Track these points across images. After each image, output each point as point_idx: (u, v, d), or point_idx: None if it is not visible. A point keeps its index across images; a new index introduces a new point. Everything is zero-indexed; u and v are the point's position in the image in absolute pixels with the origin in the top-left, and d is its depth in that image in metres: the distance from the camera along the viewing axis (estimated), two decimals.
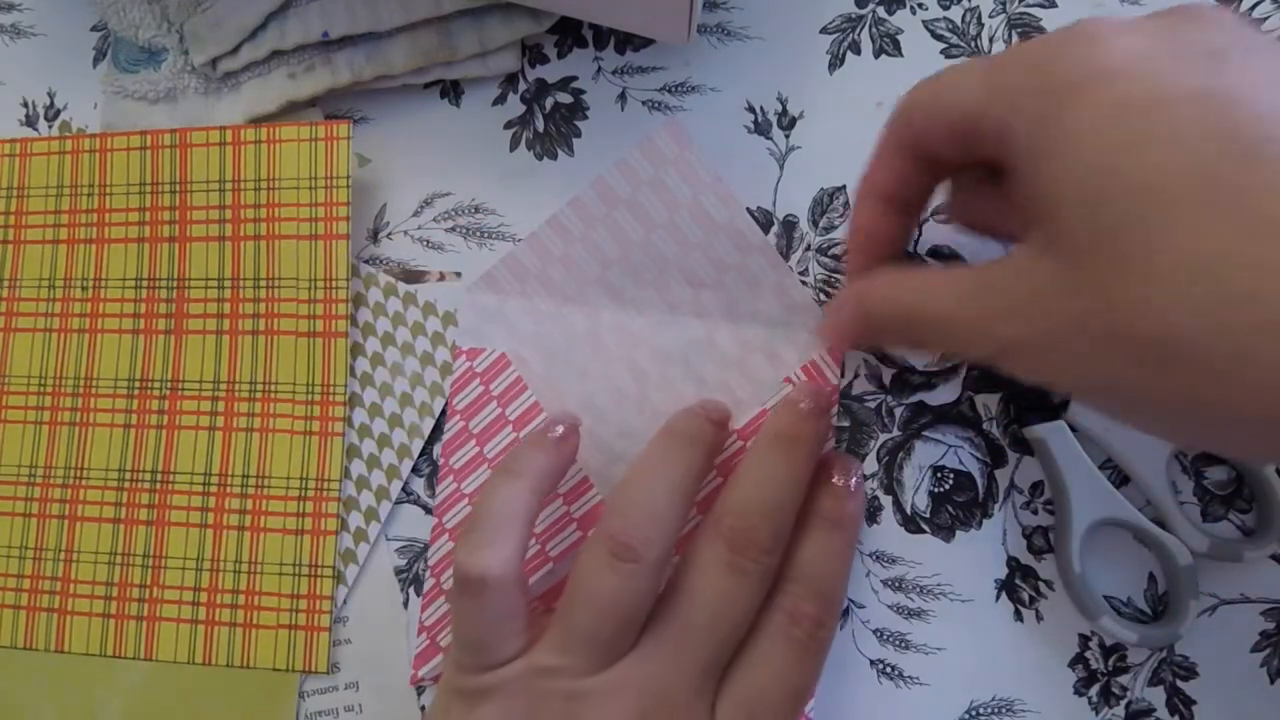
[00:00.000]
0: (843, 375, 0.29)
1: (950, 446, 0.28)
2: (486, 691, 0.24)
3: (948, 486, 0.28)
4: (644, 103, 0.31)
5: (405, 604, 0.31)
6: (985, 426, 0.28)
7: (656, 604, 0.25)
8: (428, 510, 0.31)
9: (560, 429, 0.27)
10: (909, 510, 0.28)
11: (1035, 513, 0.28)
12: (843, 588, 0.26)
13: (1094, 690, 0.27)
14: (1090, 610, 0.26)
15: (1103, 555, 0.27)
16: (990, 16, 0.29)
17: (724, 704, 0.24)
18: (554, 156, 0.32)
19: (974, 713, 0.28)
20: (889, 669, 0.28)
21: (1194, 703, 0.27)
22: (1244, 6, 0.28)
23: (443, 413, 0.31)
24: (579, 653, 0.24)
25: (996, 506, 0.28)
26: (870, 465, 0.29)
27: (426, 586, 0.30)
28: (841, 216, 0.30)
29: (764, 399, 0.28)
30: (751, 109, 0.31)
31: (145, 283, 0.33)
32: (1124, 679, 0.27)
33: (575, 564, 0.25)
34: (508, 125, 0.32)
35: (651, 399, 0.29)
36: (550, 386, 0.30)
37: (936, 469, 0.28)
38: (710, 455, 0.26)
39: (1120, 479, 0.27)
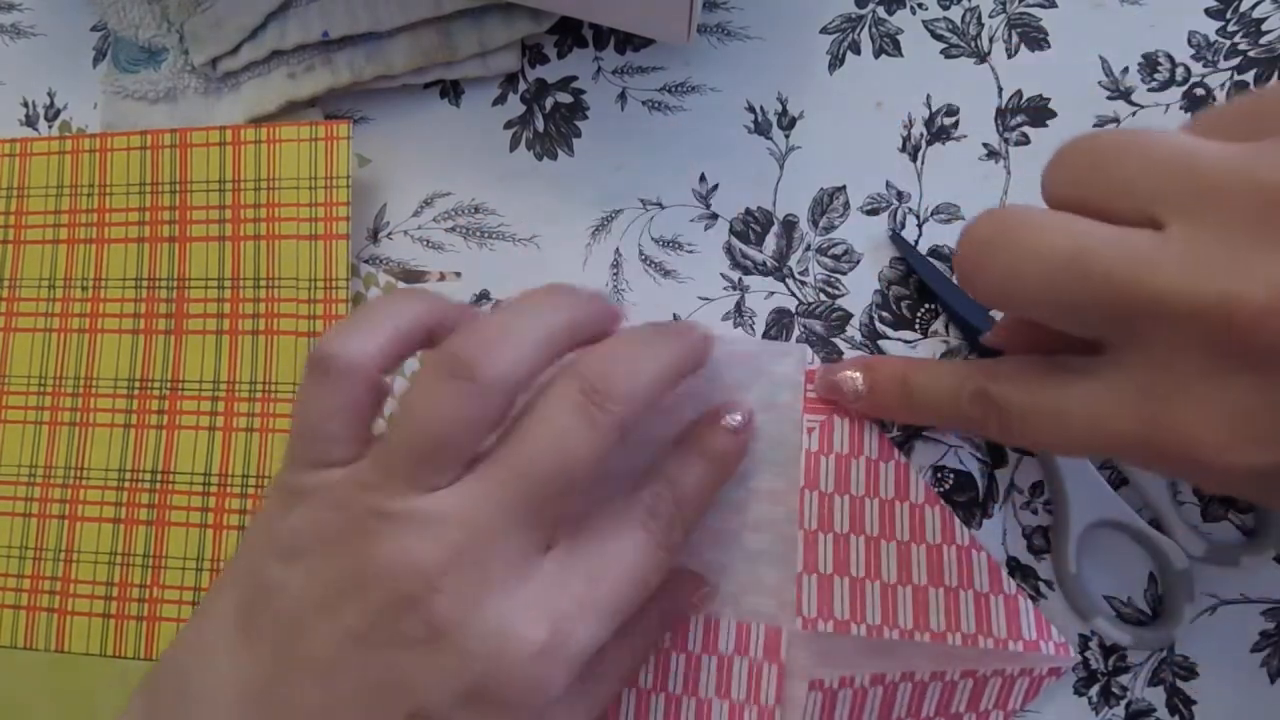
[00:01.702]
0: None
1: (950, 446, 0.28)
2: (305, 494, 0.23)
3: (948, 486, 0.28)
4: (644, 103, 0.31)
5: None
6: None
7: (494, 442, 0.22)
8: None
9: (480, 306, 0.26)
10: None
11: (1035, 513, 0.28)
12: (698, 514, 0.25)
13: (1094, 690, 0.27)
14: (1086, 611, 0.26)
15: (1101, 556, 0.27)
16: (990, 16, 0.29)
17: (560, 559, 0.22)
18: (554, 156, 0.32)
19: None
20: None
21: (1194, 703, 0.27)
22: (1244, 6, 0.28)
23: None
24: (396, 471, 0.22)
25: (996, 506, 0.28)
26: None
27: None
28: (841, 216, 0.30)
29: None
30: (751, 109, 0.31)
31: (145, 283, 0.33)
32: (1124, 679, 0.27)
33: (410, 379, 0.23)
34: (508, 125, 0.32)
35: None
36: None
37: (937, 469, 0.28)
38: (591, 331, 0.24)
39: (1118, 480, 0.27)
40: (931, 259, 0.29)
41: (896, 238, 0.29)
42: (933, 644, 0.26)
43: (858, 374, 0.27)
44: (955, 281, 0.28)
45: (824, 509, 0.27)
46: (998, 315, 0.28)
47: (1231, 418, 0.18)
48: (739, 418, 0.27)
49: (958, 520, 0.27)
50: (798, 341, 0.29)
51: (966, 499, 0.28)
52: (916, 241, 0.29)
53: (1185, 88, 0.28)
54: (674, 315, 0.30)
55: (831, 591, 0.26)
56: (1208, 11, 0.28)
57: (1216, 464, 0.18)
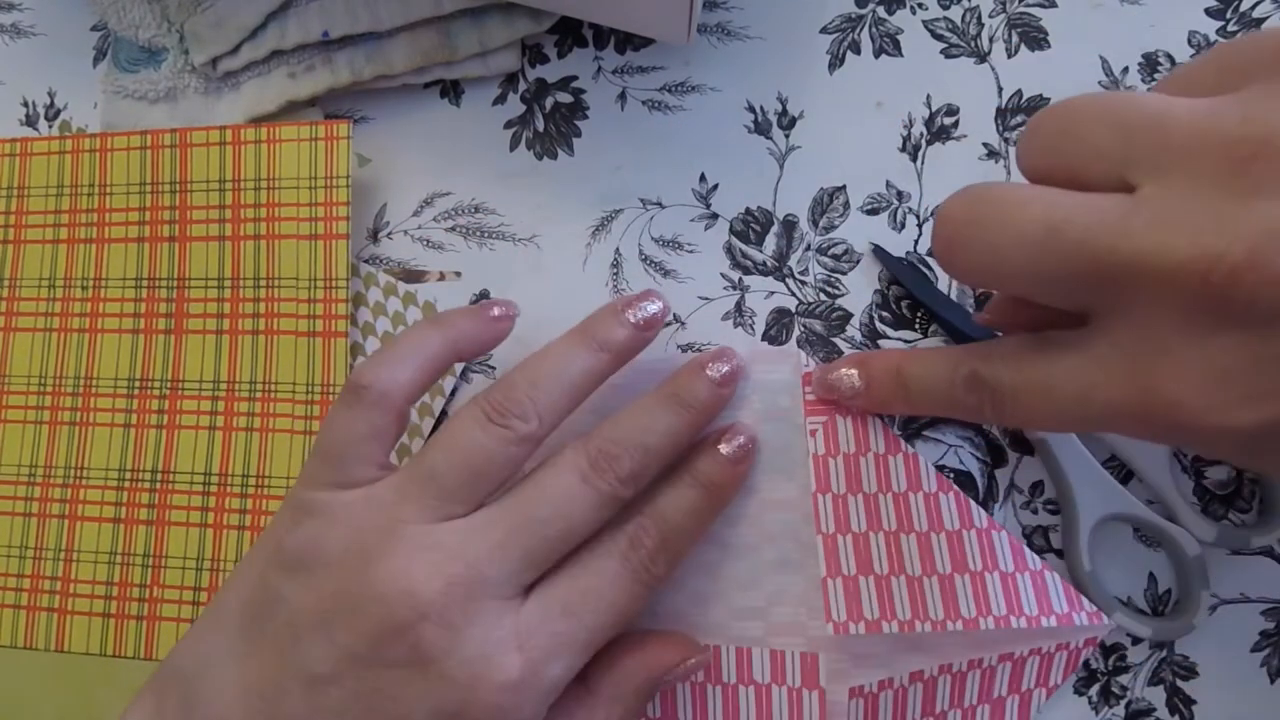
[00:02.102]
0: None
1: (950, 446, 0.28)
2: (317, 511, 0.24)
3: None
4: (644, 102, 0.31)
5: None
6: (985, 426, 0.28)
7: (505, 491, 0.24)
8: None
9: (497, 310, 0.27)
10: None
11: (1035, 512, 0.28)
12: (687, 544, 0.26)
13: (1094, 690, 0.27)
14: (1104, 606, 0.26)
15: (1111, 551, 0.27)
16: (990, 16, 0.29)
17: (540, 596, 0.23)
18: (554, 156, 0.32)
19: None
20: None
21: (1194, 703, 0.27)
22: (1244, 6, 0.28)
23: (443, 412, 0.31)
24: (415, 496, 0.23)
25: (997, 506, 0.28)
26: None
27: None
28: (841, 216, 0.30)
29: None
30: (751, 109, 0.31)
31: (145, 282, 0.33)
32: (1124, 679, 0.27)
33: (450, 417, 0.24)
34: (508, 125, 0.32)
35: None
36: None
37: (937, 469, 0.28)
38: (619, 361, 0.26)
39: (1123, 476, 0.27)
40: (932, 258, 0.29)
41: (879, 250, 0.29)
42: (966, 632, 0.26)
43: (854, 371, 0.27)
44: (933, 263, 0.28)
45: (839, 510, 0.27)
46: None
47: (1215, 377, 0.18)
48: (740, 441, 0.27)
49: (973, 503, 0.27)
50: (798, 342, 0.29)
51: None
52: (916, 242, 0.29)
53: None
54: (674, 316, 0.30)
55: (859, 592, 0.26)
56: (1208, 11, 0.28)
57: (1204, 426, 0.18)
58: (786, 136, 0.30)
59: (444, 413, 0.31)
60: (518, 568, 0.23)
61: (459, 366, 0.31)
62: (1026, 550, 0.27)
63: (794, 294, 0.30)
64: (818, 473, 0.27)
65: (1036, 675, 0.27)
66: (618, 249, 0.31)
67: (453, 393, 0.31)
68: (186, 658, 0.25)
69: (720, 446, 0.26)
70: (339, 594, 0.23)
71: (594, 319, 0.26)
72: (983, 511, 0.27)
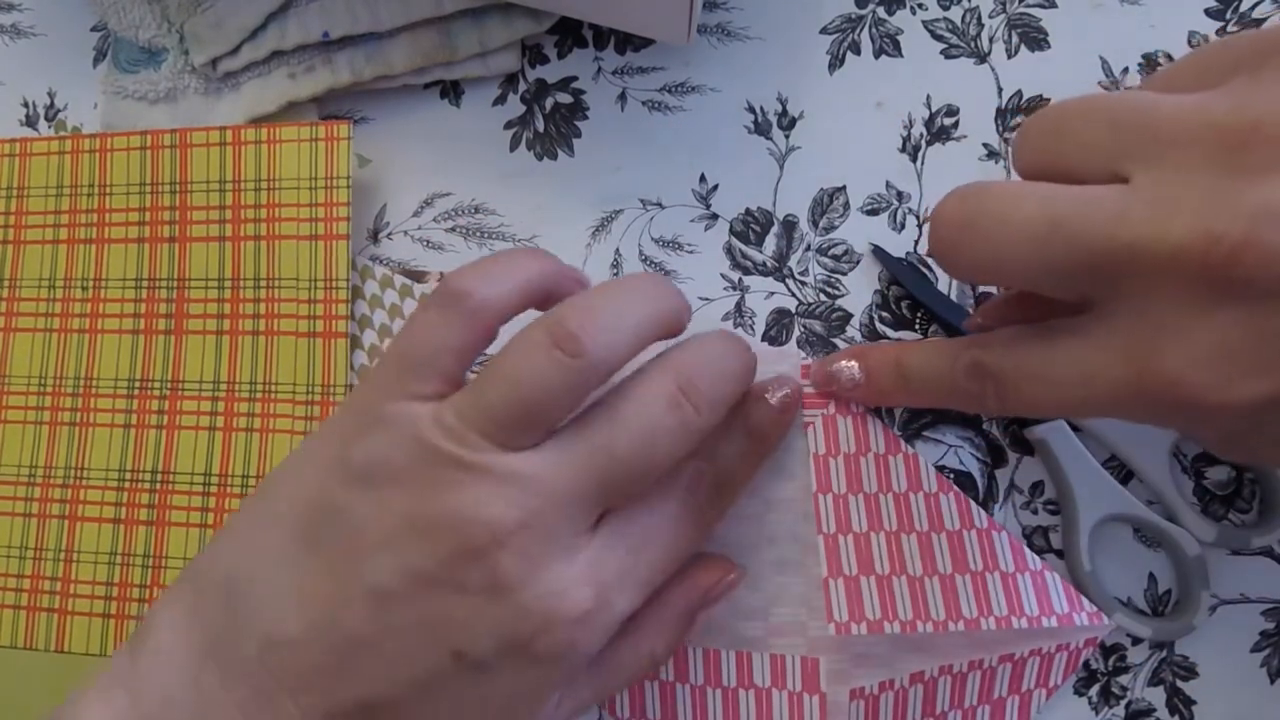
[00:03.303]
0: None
1: (950, 446, 0.28)
2: (387, 422, 0.23)
3: None
4: (644, 103, 0.31)
5: None
6: (985, 426, 0.28)
7: (580, 415, 0.23)
8: None
9: (580, 276, 0.26)
10: None
11: (1035, 513, 0.28)
12: (738, 490, 0.26)
13: (1094, 690, 0.27)
14: (1104, 607, 0.26)
15: (1111, 551, 0.27)
16: (990, 17, 0.29)
17: (608, 531, 0.23)
18: (554, 156, 0.32)
19: None
20: None
21: (1194, 703, 0.27)
22: (1244, 6, 0.28)
23: None
24: (485, 425, 0.22)
25: (997, 507, 0.28)
26: None
27: None
28: (841, 217, 0.30)
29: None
30: (751, 109, 0.31)
31: (145, 283, 0.33)
32: (1124, 679, 0.27)
33: (512, 339, 0.23)
34: (508, 125, 0.32)
35: None
36: None
37: (937, 469, 0.28)
38: (676, 326, 0.25)
39: (1123, 476, 0.27)
40: (919, 266, 0.29)
41: (878, 251, 0.29)
42: (967, 632, 0.26)
43: (853, 363, 0.27)
44: (932, 263, 0.28)
45: (840, 511, 0.27)
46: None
47: (1216, 354, 0.18)
48: (785, 391, 0.27)
49: (974, 504, 0.27)
50: (798, 342, 0.29)
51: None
52: (916, 242, 0.29)
53: None
54: None
55: (860, 592, 0.26)
56: (1208, 12, 0.28)
57: (1206, 403, 0.18)
58: (786, 137, 0.30)
59: None
60: (594, 503, 0.23)
61: None
62: (1027, 551, 0.27)
63: (794, 294, 0.30)
64: (818, 472, 0.27)
65: (1037, 675, 0.27)
66: (618, 249, 0.31)
67: None
68: (229, 559, 0.24)
69: (767, 396, 0.27)
70: (409, 512, 0.22)
71: (667, 286, 0.25)
72: (983, 512, 0.27)
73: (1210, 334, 0.18)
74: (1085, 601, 0.26)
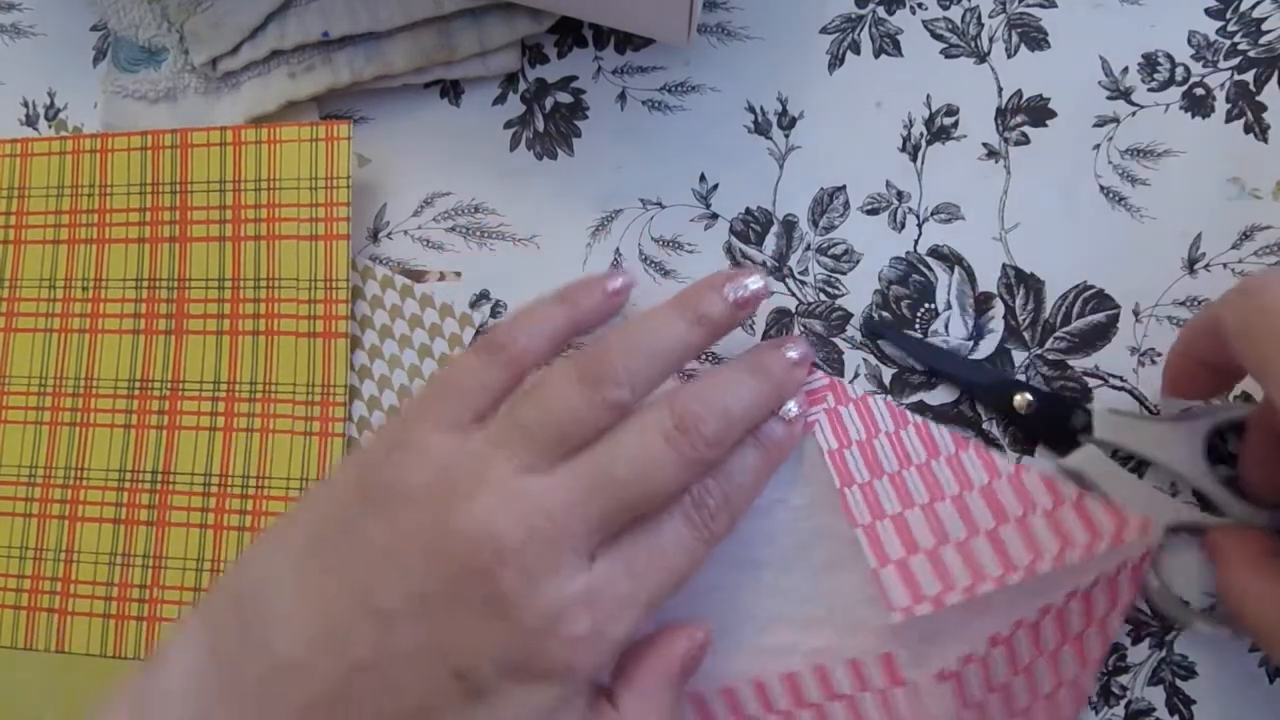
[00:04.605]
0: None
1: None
2: (412, 447, 0.24)
3: None
4: (644, 103, 0.31)
5: None
6: (985, 426, 0.28)
7: (589, 448, 0.24)
8: None
9: (614, 284, 0.27)
10: None
11: None
12: (745, 501, 0.26)
13: (1094, 690, 0.27)
14: (1182, 619, 0.26)
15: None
16: (990, 16, 0.29)
17: (609, 555, 0.24)
18: (554, 156, 0.32)
19: None
20: None
21: (1194, 702, 0.27)
22: (1244, 6, 0.28)
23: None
24: (504, 445, 0.24)
25: None
26: None
27: None
28: (841, 216, 0.30)
29: None
30: (751, 109, 0.31)
31: (146, 283, 0.33)
32: (1124, 679, 0.27)
33: (546, 370, 0.25)
34: (508, 125, 0.32)
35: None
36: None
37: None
38: (713, 337, 0.27)
39: (1171, 490, 0.27)
40: (932, 258, 0.29)
41: (869, 323, 0.29)
42: (1028, 580, 0.26)
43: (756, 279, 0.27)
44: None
45: (869, 498, 0.27)
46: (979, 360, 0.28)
47: None
48: (794, 408, 0.27)
49: (994, 452, 0.27)
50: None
51: None
52: (916, 242, 0.29)
53: (1185, 88, 0.28)
54: None
55: (913, 573, 0.26)
56: (1208, 11, 0.28)
57: None
58: (786, 136, 0.30)
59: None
60: (595, 526, 0.23)
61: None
62: (1059, 482, 0.26)
63: (794, 294, 0.30)
64: (837, 467, 0.27)
65: (1107, 600, 0.26)
66: (618, 249, 0.31)
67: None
68: (245, 578, 0.24)
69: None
70: (419, 531, 0.23)
71: (694, 290, 0.27)
72: (1005, 458, 0.27)
73: None
74: (1130, 516, 0.26)
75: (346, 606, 0.23)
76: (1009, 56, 0.29)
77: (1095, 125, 0.29)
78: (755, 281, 0.27)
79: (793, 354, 0.27)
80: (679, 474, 0.24)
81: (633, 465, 0.24)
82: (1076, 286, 0.28)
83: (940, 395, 0.28)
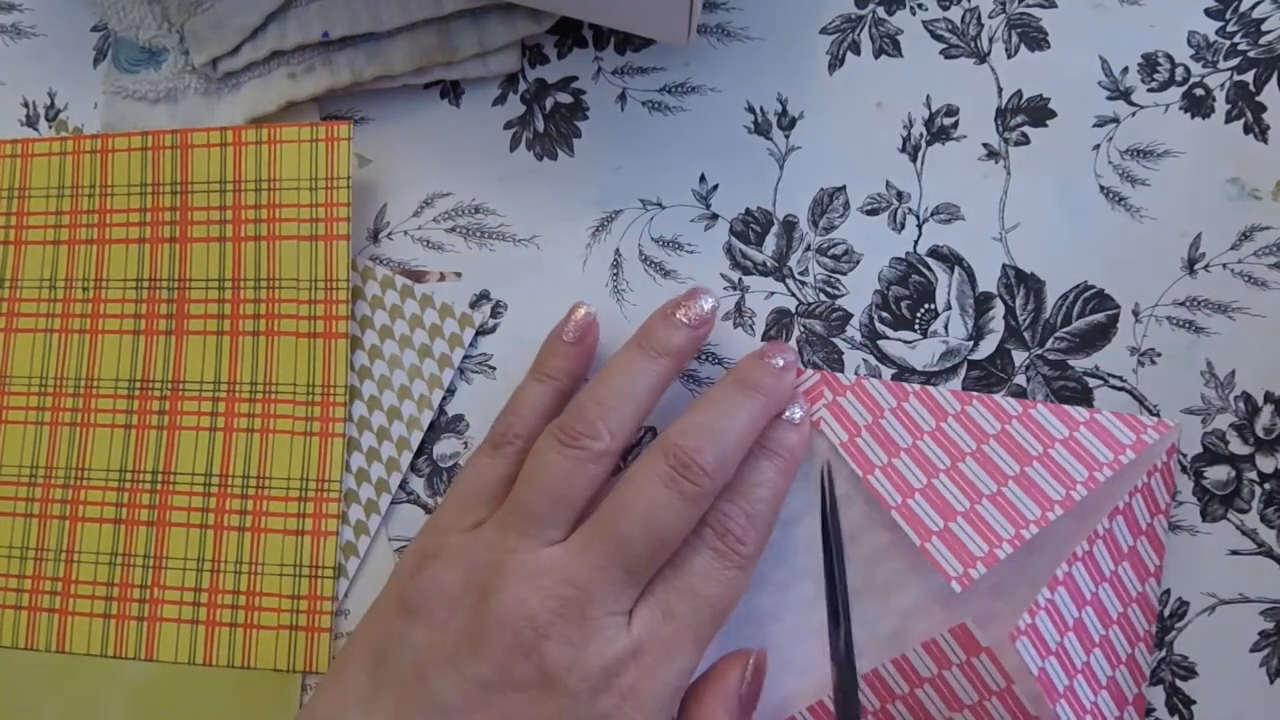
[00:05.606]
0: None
1: None
2: (437, 555, 0.26)
3: None
4: (644, 103, 0.31)
5: None
6: None
7: (598, 506, 0.25)
8: (428, 510, 0.31)
9: (571, 332, 0.28)
10: None
11: None
12: (771, 512, 0.26)
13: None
14: None
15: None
16: (990, 17, 0.29)
17: (644, 604, 0.24)
18: (554, 156, 0.32)
19: None
20: None
21: (1194, 703, 0.27)
22: (1244, 6, 0.28)
23: (440, 409, 0.31)
24: (513, 528, 0.25)
25: None
26: None
27: None
28: (841, 217, 0.30)
29: None
30: (751, 109, 0.31)
31: (146, 283, 0.33)
32: None
33: (534, 446, 0.26)
34: (508, 125, 0.32)
35: None
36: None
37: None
38: (680, 362, 0.27)
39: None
40: (931, 258, 0.29)
41: (827, 518, 0.28)
42: (1067, 513, 0.26)
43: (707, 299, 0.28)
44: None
45: (893, 478, 0.27)
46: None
47: None
48: (798, 411, 0.27)
49: (996, 397, 0.27)
50: (798, 342, 0.29)
51: None
52: (916, 242, 0.29)
53: (1185, 88, 0.28)
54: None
55: (957, 538, 0.26)
56: (1208, 11, 0.28)
57: None
58: (786, 137, 0.30)
59: (440, 409, 0.31)
60: (622, 582, 0.24)
61: (458, 359, 0.31)
62: (1068, 407, 0.27)
63: (794, 294, 0.30)
64: (854, 457, 0.27)
65: (1147, 509, 0.26)
66: (618, 249, 0.31)
67: (450, 390, 0.31)
68: (319, 712, 0.25)
69: (784, 414, 0.27)
70: (462, 629, 0.24)
71: (648, 326, 0.28)
72: (1010, 400, 0.27)
73: None
74: (1146, 420, 0.26)
75: (406, 711, 0.24)
76: (1009, 57, 0.29)
77: (1095, 125, 0.29)
78: (707, 300, 0.28)
79: (777, 361, 0.27)
80: (686, 512, 0.24)
81: (636, 519, 0.24)
82: (1076, 286, 0.28)
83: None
